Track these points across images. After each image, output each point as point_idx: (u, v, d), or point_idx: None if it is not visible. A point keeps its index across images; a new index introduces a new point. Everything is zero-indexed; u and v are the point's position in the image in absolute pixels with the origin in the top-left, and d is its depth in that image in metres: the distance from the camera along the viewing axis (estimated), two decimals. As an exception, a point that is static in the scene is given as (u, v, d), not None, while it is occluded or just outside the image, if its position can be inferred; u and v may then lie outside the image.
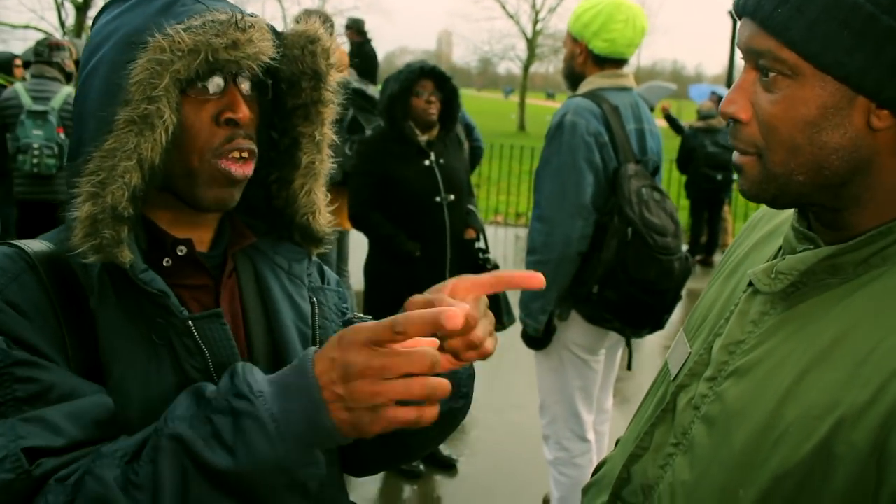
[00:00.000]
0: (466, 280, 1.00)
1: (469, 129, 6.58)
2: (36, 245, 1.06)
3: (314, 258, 1.33)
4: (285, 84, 1.19)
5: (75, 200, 1.02)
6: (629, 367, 3.33)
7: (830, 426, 0.90)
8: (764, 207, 1.24)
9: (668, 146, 10.11)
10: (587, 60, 3.12)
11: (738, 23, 1.03)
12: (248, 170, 1.10)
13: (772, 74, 0.97)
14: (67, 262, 1.04)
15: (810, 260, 1.00)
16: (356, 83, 4.61)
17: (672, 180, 10.77)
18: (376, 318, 3.35)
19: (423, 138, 3.74)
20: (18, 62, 7.56)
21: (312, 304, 1.26)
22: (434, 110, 3.73)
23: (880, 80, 0.91)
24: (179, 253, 1.13)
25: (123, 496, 0.88)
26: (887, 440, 0.86)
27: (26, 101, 5.53)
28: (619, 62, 3.13)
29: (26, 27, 20.86)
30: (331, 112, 1.22)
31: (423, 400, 0.86)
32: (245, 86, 1.11)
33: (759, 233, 1.25)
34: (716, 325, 1.15)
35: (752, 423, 0.99)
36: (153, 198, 1.10)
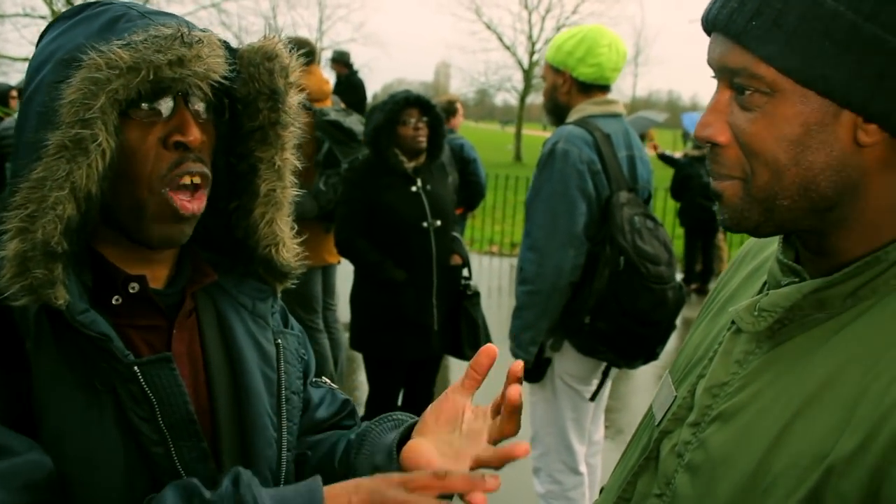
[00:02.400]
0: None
1: (466, 163, 6.57)
2: None
3: (279, 302, 1.26)
4: (241, 105, 1.10)
5: (2, 237, 0.93)
6: (592, 399, 3.24)
7: (819, 476, 0.84)
8: (751, 241, 1.18)
9: (663, 175, 10.15)
10: (572, 89, 3.10)
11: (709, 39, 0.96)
12: (197, 206, 1.02)
13: (748, 92, 0.90)
14: (2, 303, 0.94)
15: (794, 296, 0.94)
16: (333, 114, 4.57)
17: (667, 209, 10.77)
18: (362, 344, 3.33)
19: (409, 165, 3.75)
20: (14, 94, 7.59)
21: (277, 346, 1.18)
22: (423, 137, 3.74)
23: (867, 93, 0.85)
24: (131, 290, 1.04)
25: None
26: (880, 490, 0.79)
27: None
28: (604, 88, 3.11)
29: (25, 59, 20.97)
30: (291, 135, 1.14)
31: None
32: (198, 107, 1.03)
33: (746, 268, 1.18)
34: (700, 367, 1.07)
35: (737, 472, 0.92)
36: (101, 230, 1.02)
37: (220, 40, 1.02)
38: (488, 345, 1.06)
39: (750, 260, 1.18)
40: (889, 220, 0.91)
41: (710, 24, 0.93)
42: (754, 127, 0.90)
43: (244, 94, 1.09)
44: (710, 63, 0.95)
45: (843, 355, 0.89)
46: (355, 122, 4.60)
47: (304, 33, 34.50)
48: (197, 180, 1.01)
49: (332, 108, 4.73)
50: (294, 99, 1.12)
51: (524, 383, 3.18)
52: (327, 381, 1.35)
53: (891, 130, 0.87)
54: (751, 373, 0.97)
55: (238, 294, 1.18)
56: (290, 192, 1.17)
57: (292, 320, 1.30)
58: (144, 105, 0.97)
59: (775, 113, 0.89)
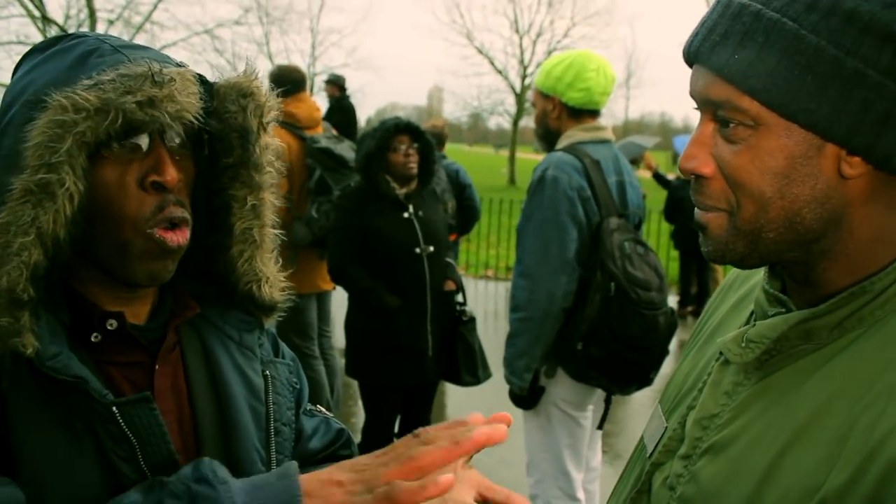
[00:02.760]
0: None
1: (462, 188, 6.61)
2: None
3: (269, 329, 1.23)
4: (216, 140, 1.06)
5: None
6: (600, 427, 3.24)
7: None
8: (737, 269, 1.17)
9: (657, 197, 10.17)
10: (562, 114, 3.11)
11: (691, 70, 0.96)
12: (182, 238, 1.00)
13: (732, 125, 0.90)
14: None
15: (780, 327, 0.93)
16: (325, 142, 4.60)
17: (661, 231, 10.80)
18: (358, 370, 3.26)
19: (400, 192, 3.76)
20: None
21: (265, 377, 1.15)
22: (413, 163, 3.75)
23: (850, 126, 0.85)
24: (109, 328, 1.01)
25: None
26: None
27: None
28: (594, 113, 3.12)
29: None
30: (268, 177, 1.09)
31: None
32: (175, 142, 0.99)
33: (733, 297, 1.18)
34: (689, 398, 1.07)
35: None
36: (77, 268, 1.00)
37: (194, 76, 1.00)
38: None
39: (737, 288, 1.18)
40: (873, 250, 0.91)
41: (693, 55, 0.94)
42: (738, 160, 0.90)
43: (219, 131, 1.06)
44: (693, 95, 0.95)
45: (831, 387, 0.88)
46: (346, 149, 4.62)
47: (296, 59, 34.72)
48: (178, 224, 1.00)
49: (322, 135, 4.76)
50: (268, 140, 1.08)
51: (519, 410, 3.16)
52: (322, 409, 1.31)
53: (874, 163, 0.87)
54: (740, 404, 0.97)
55: (224, 325, 1.15)
56: (269, 230, 1.13)
57: (284, 348, 1.27)
58: (115, 145, 0.94)
59: (759, 146, 0.89)
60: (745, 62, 0.87)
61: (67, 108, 0.88)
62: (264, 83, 1.08)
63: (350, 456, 1.24)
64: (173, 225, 0.99)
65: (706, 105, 0.93)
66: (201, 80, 1.03)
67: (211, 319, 1.14)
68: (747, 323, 1.04)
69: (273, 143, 1.09)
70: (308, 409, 1.27)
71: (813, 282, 0.95)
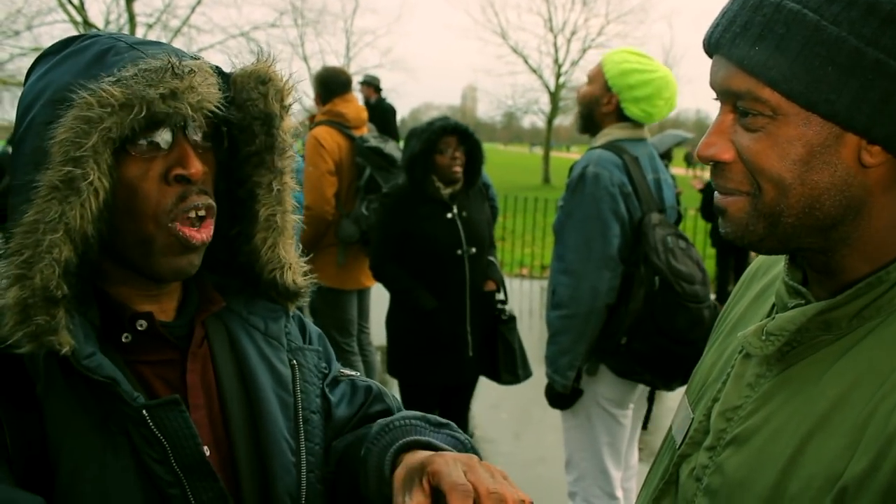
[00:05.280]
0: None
1: (485, 187, 6.62)
2: None
3: (295, 313, 1.23)
4: (237, 130, 1.08)
5: (1, 285, 0.90)
6: (645, 427, 3.23)
7: (833, 497, 0.85)
8: (760, 258, 1.18)
9: (694, 196, 10.07)
10: (612, 114, 3.10)
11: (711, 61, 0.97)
12: (206, 234, 1.01)
13: (751, 115, 0.91)
14: (7, 350, 0.91)
15: (799, 319, 0.95)
16: (374, 141, 4.65)
17: (697, 228, 10.71)
18: (397, 369, 3.27)
19: (446, 192, 3.74)
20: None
21: (293, 366, 1.16)
22: (459, 167, 3.71)
23: (871, 116, 0.86)
24: (139, 328, 1.02)
25: None
26: None
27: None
28: (637, 124, 3.12)
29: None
30: (289, 160, 1.11)
31: None
32: (197, 136, 1.00)
33: (755, 287, 1.18)
34: (714, 390, 1.08)
35: (754, 495, 0.93)
36: (106, 268, 1.01)
37: (211, 67, 1.01)
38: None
39: (760, 277, 1.19)
40: (892, 238, 0.92)
41: (713, 46, 0.95)
42: (758, 146, 0.91)
43: (240, 119, 1.07)
44: (713, 86, 0.96)
45: (851, 376, 0.89)
46: (394, 149, 4.68)
47: (331, 60, 34.93)
48: (202, 213, 1.00)
49: (370, 134, 4.82)
50: (289, 123, 1.09)
51: (556, 410, 3.15)
52: (345, 371, 1.28)
53: (894, 152, 0.88)
54: (762, 396, 0.98)
55: (249, 316, 1.16)
56: (291, 216, 1.14)
57: (311, 329, 1.28)
58: (142, 141, 0.95)
59: (778, 134, 0.90)
60: (766, 54, 0.88)
61: (93, 105, 0.89)
62: (280, 68, 1.09)
63: (384, 411, 1.23)
64: (199, 219, 1.00)
65: (726, 96, 0.94)
66: (218, 71, 1.05)
67: (236, 311, 1.15)
68: (769, 315, 1.05)
69: (292, 126, 1.10)
70: (330, 379, 1.24)
71: (833, 270, 0.96)
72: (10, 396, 0.91)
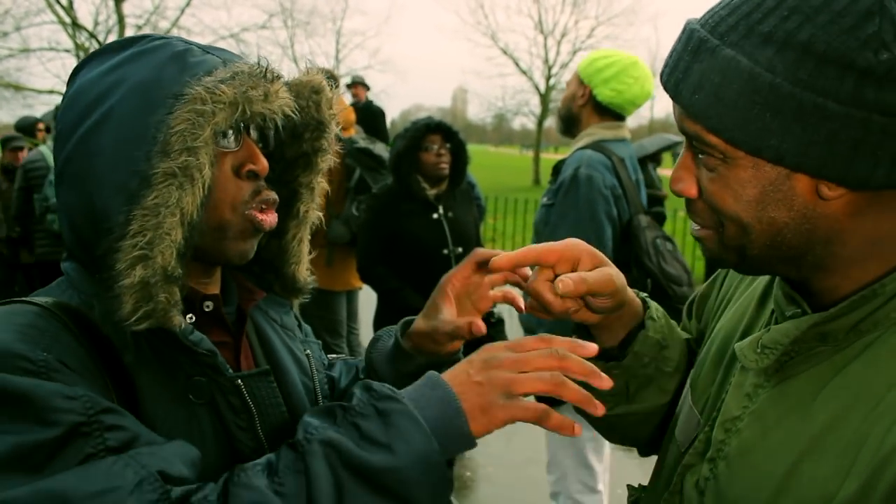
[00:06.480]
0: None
1: (470, 187, 6.63)
2: (50, 303, 0.97)
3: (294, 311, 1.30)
4: (285, 134, 1.15)
5: (117, 266, 0.94)
6: None
7: None
8: None
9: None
10: (587, 105, 3.12)
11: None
12: (273, 219, 1.07)
13: (703, 156, 0.92)
14: (88, 319, 0.97)
15: (793, 332, 0.93)
16: (363, 142, 4.65)
17: (688, 230, 10.73)
18: None
19: (431, 192, 3.76)
20: (41, 126, 7.77)
21: (307, 355, 1.24)
22: (445, 163, 3.75)
23: (820, 158, 0.83)
24: (206, 309, 1.08)
25: (280, 500, 0.84)
26: None
27: (52, 162, 5.72)
28: (618, 117, 3.13)
29: (51, 92, 21.37)
30: (327, 161, 1.19)
31: (552, 395, 0.93)
32: (254, 137, 1.08)
33: (761, 280, 1.16)
34: (717, 399, 1.07)
35: None
36: None
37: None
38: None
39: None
40: (872, 254, 0.91)
41: (664, 87, 0.94)
42: (714, 186, 0.92)
43: (292, 125, 1.12)
44: (675, 118, 0.96)
45: (846, 396, 0.88)
46: (382, 150, 4.68)
47: (321, 61, 34.84)
48: (271, 204, 1.07)
49: (359, 136, 4.82)
50: (334, 128, 1.18)
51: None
52: (333, 356, 1.40)
53: (850, 188, 0.85)
54: (759, 408, 0.98)
55: (267, 309, 1.22)
56: (316, 211, 1.22)
57: (305, 327, 1.34)
58: (227, 138, 1.02)
59: (730, 176, 0.90)
60: (706, 102, 0.87)
61: (206, 100, 0.95)
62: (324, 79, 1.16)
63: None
64: (265, 207, 1.06)
65: (683, 133, 0.94)
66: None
67: (259, 303, 1.20)
68: (770, 319, 1.05)
69: (335, 131, 1.18)
70: (327, 365, 1.36)
71: (816, 292, 0.96)
72: (108, 364, 0.95)
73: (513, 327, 7.37)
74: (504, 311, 4.16)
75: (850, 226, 0.89)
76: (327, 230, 4.61)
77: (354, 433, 0.89)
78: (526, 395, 0.94)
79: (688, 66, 0.89)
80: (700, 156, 0.93)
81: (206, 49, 1.04)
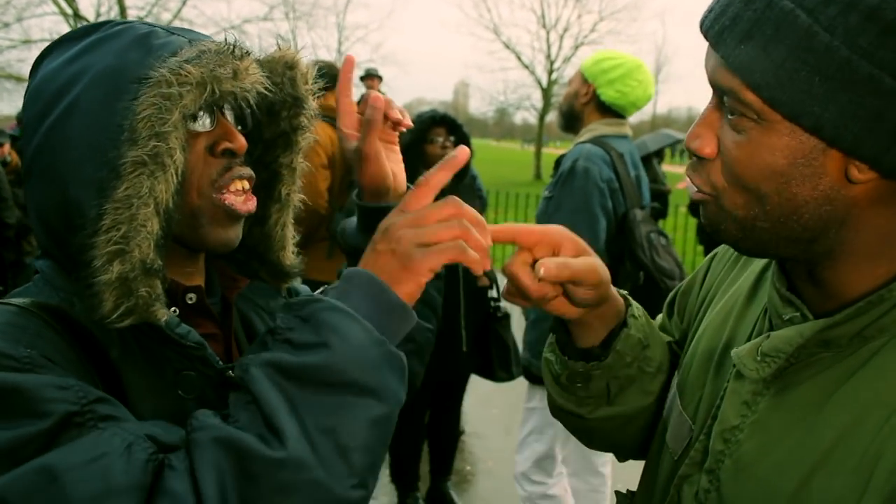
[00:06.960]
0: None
1: (472, 180, 6.63)
2: (27, 303, 0.93)
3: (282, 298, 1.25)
4: (262, 113, 1.10)
5: (94, 263, 0.90)
6: None
7: None
8: None
9: (683, 192, 10.11)
10: (590, 103, 3.19)
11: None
12: (251, 205, 1.03)
13: (736, 115, 0.85)
14: (70, 316, 0.94)
15: (796, 340, 0.88)
16: None
17: (688, 226, 10.74)
18: None
19: (435, 185, 3.76)
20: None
21: None
22: None
23: (860, 134, 0.78)
24: (189, 301, 1.04)
25: (245, 433, 0.81)
26: None
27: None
28: (619, 116, 3.19)
29: (51, 84, 21.32)
30: (307, 139, 1.14)
31: (461, 240, 0.91)
32: (230, 117, 1.04)
33: (747, 273, 1.13)
34: (713, 407, 1.02)
35: None
36: None
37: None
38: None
39: (751, 261, 1.15)
40: (882, 252, 0.87)
41: (704, 32, 0.87)
42: (739, 152, 0.85)
43: (267, 103, 1.08)
44: (706, 72, 0.89)
45: (856, 407, 0.84)
46: None
47: (323, 54, 34.85)
48: (246, 185, 1.03)
49: (361, 129, 4.78)
50: (312, 104, 1.12)
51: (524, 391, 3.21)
52: None
53: (882, 173, 0.81)
54: (760, 418, 0.93)
55: (252, 296, 1.19)
56: (297, 194, 1.17)
57: (303, 290, 1.31)
58: (199, 120, 0.98)
59: (761, 141, 0.83)
60: (751, 54, 0.80)
61: (172, 83, 0.91)
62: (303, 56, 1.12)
63: None
64: (244, 191, 1.02)
65: (714, 88, 0.88)
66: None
67: (243, 291, 1.17)
68: (761, 315, 1.01)
69: (314, 106, 1.13)
70: None
71: (819, 283, 0.91)
72: (94, 361, 0.92)
73: (521, 323, 7.39)
74: (510, 305, 4.16)
75: (868, 215, 0.85)
76: (329, 223, 4.61)
77: (288, 347, 0.86)
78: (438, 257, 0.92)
79: (738, 13, 0.82)
80: (730, 116, 0.86)
81: (171, 30, 1.00)
